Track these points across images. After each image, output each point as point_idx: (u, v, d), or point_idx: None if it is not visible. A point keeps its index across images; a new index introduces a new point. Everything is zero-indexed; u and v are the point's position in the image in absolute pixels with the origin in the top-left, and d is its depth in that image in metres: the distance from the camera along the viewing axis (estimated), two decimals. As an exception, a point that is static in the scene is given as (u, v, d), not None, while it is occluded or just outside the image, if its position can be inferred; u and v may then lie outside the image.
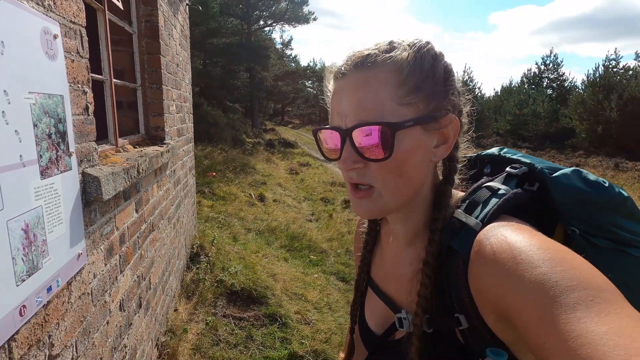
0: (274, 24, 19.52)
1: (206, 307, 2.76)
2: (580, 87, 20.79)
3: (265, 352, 2.45)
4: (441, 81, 0.51)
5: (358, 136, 0.48)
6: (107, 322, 1.36)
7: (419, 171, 0.51)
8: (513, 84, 24.23)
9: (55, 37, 0.99)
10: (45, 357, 0.93)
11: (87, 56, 1.20)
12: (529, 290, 0.36)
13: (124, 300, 1.54)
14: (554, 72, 22.99)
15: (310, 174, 9.68)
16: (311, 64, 31.34)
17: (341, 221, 5.76)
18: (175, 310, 2.56)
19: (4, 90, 0.78)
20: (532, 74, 23.59)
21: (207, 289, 2.93)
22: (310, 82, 34.86)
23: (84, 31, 1.17)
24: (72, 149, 1.07)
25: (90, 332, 1.20)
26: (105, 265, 1.34)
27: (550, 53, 23.57)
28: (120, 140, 1.86)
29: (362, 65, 0.49)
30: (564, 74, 22.80)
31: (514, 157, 0.58)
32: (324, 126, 0.54)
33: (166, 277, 2.38)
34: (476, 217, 0.48)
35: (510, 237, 0.42)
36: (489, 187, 0.52)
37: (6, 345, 0.78)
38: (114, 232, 1.43)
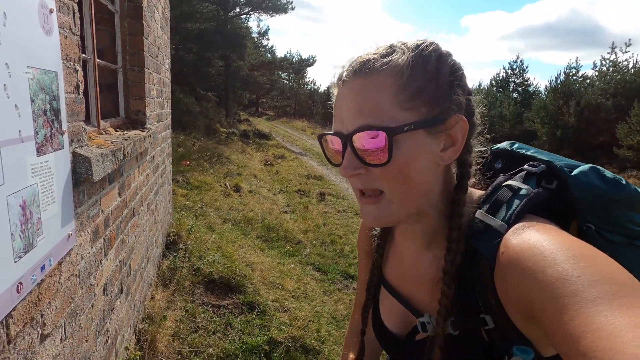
0: (252, 12, 19.09)
1: (184, 295, 2.74)
2: (543, 93, 22.02)
3: (244, 338, 2.48)
4: (446, 82, 0.50)
5: (358, 141, 0.48)
6: (92, 305, 1.34)
7: (424, 176, 0.50)
8: (482, 86, 25.21)
9: (51, 11, 0.97)
10: (38, 336, 0.92)
11: (79, 33, 1.17)
12: (550, 285, 0.37)
13: (107, 285, 1.52)
14: (519, 76, 24.16)
15: (286, 166, 9.67)
16: (288, 55, 30.98)
17: (317, 213, 5.83)
18: (152, 298, 2.53)
19: (6, 63, 0.76)
20: (500, 77, 24.65)
21: (184, 277, 2.90)
22: (286, 74, 34.49)
23: (76, 7, 1.14)
24: (64, 127, 1.05)
25: (77, 314, 1.19)
26: (92, 248, 1.32)
27: (517, 58, 24.71)
28: (102, 123, 1.81)
29: (361, 72, 0.49)
30: (528, 79, 24.02)
31: (528, 153, 0.57)
32: (328, 132, 0.54)
33: (144, 264, 2.34)
34: (500, 219, 0.48)
35: (536, 237, 0.42)
36: (509, 187, 0.51)
37: (4, 321, 0.77)
38: (100, 215, 1.41)
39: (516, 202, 0.49)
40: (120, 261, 1.73)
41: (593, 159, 16.50)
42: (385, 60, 0.49)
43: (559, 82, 19.73)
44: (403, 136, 0.47)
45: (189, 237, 3.49)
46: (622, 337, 0.30)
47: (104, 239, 1.47)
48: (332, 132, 0.53)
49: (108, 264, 1.53)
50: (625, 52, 18.52)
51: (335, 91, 0.54)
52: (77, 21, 1.15)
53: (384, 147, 0.47)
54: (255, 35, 26.43)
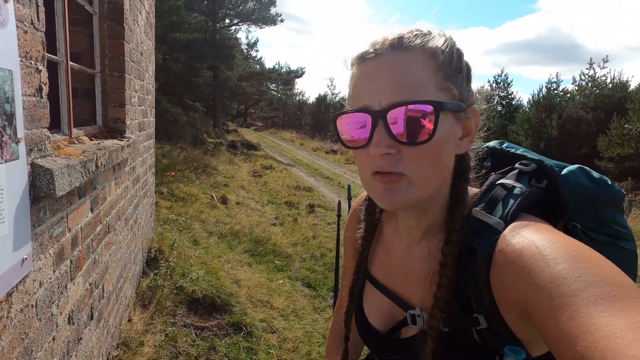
0: (241, 24, 19.11)
1: (164, 316, 2.54)
2: (526, 106, 22.58)
3: (230, 363, 2.30)
4: (466, 75, 0.51)
5: (395, 117, 0.45)
6: (54, 338, 1.17)
7: (449, 161, 0.50)
8: (468, 99, 25.70)
9: (5, 0, 0.84)
10: (-25, 386, 0.76)
11: (43, 29, 1.04)
12: (550, 284, 0.36)
13: (73, 312, 1.35)
14: (504, 90, 24.77)
15: (274, 177, 9.52)
16: (276, 66, 31.09)
17: (306, 226, 5.68)
18: (129, 321, 2.33)
19: (-63, 55, 0.63)
20: (485, 90, 25.20)
21: (165, 296, 2.71)
22: (274, 85, 34.56)
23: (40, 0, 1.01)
24: (20, 134, 0.91)
25: (33, 350, 1.02)
26: (54, 272, 1.16)
27: (502, 72, 25.41)
28: (75, 131, 1.66)
29: (399, 46, 0.47)
30: (512, 92, 24.65)
31: (518, 152, 0.58)
32: (349, 110, 0.50)
33: (121, 284, 2.16)
34: (497, 217, 0.48)
35: (534, 236, 0.42)
36: (503, 185, 0.52)
37: None
38: (66, 234, 1.25)
39: (511, 200, 0.49)
40: (90, 284, 1.56)
41: (576, 171, 16.89)
42: (425, 39, 0.48)
43: (541, 96, 20.30)
44: (442, 115, 0.46)
45: (172, 253, 3.30)
46: (622, 338, 0.29)
47: (71, 261, 1.31)
48: (355, 110, 0.49)
49: (75, 289, 1.37)
50: (603, 67, 19.23)
51: (355, 69, 0.51)
52: (42, 15, 1.02)
53: (428, 124, 0.45)
54: (244, 47, 26.47)
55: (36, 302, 1.03)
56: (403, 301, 0.58)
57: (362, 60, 0.50)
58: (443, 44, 0.48)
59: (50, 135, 1.10)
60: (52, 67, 1.54)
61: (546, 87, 20.58)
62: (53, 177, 1.01)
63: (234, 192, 6.97)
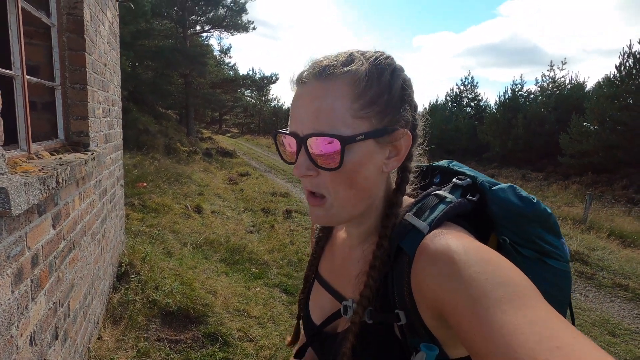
0: (212, 30, 18.91)
1: (137, 331, 2.48)
2: (493, 107, 23.52)
3: (205, 375, 2.27)
4: (397, 96, 0.53)
5: (312, 144, 0.50)
6: (14, 361, 1.14)
7: (370, 182, 0.54)
8: (439, 102, 26.49)
9: (-48, 20, 0.83)
10: None
11: (-5, 47, 1.03)
12: (463, 286, 0.40)
13: (35, 333, 1.31)
14: (471, 92, 25.69)
15: (250, 184, 9.45)
16: (250, 72, 30.90)
17: (283, 232, 5.68)
18: (99, 338, 2.27)
19: None
20: (454, 93, 26.07)
21: (137, 311, 2.65)
22: (249, 91, 34.32)
23: (-10, 17, 1.00)
24: (-29, 154, 0.90)
25: (-10, 375, 1.00)
26: (12, 292, 1.13)
27: (468, 75, 26.38)
28: (34, 146, 1.62)
29: (321, 76, 0.51)
30: (479, 94, 25.61)
31: (461, 169, 0.64)
32: (284, 130, 0.55)
33: (89, 301, 2.10)
34: (424, 221, 0.52)
35: (451, 242, 0.46)
36: (437, 195, 0.57)
37: None
38: (25, 253, 1.22)
39: (440, 207, 0.53)
40: (54, 303, 1.52)
41: (541, 168, 17.72)
42: (345, 68, 0.51)
43: (506, 97, 21.22)
44: (355, 144, 0.50)
45: (143, 266, 3.23)
46: (521, 333, 0.34)
47: (32, 280, 1.28)
48: (287, 132, 0.54)
49: (37, 308, 1.33)
50: (562, 69, 20.36)
51: (294, 90, 0.56)
52: (-8, 33, 1.01)
53: (337, 153, 0.49)
54: (217, 53, 26.17)
55: (-7, 325, 1.01)
56: (339, 295, 0.63)
57: (296, 84, 0.54)
58: (364, 72, 0.50)
59: (4, 153, 1.08)
60: (7, 81, 1.51)
61: (511, 89, 21.51)
62: (8, 196, 0.99)
63: (209, 201, 6.87)
